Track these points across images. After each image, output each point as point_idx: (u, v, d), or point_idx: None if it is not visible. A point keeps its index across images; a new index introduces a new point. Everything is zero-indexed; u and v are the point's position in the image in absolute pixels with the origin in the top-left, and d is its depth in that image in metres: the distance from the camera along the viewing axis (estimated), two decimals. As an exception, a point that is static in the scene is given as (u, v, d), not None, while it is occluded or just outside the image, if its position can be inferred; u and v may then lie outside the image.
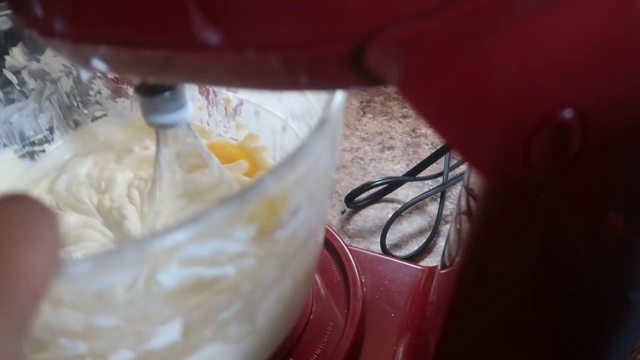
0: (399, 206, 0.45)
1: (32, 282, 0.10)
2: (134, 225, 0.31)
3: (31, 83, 0.34)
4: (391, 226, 0.43)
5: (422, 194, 0.45)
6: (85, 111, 0.37)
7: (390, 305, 0.33)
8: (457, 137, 0.14)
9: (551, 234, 0.17)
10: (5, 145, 0.34)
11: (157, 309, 0.17)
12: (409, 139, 0.55)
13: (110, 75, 0.36)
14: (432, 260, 0.42)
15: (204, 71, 0.13)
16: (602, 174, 0.15)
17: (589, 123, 0.13)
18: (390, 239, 0.43)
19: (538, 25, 0.12)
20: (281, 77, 0.13)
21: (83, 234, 0.30)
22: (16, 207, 0.11)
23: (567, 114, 0.13)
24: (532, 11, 0.12)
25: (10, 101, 0.33)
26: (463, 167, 0.47)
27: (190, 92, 0.34)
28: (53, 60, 0.34)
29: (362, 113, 0.59)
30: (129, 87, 0.37)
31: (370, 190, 0.46)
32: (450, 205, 0.46)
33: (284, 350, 0.28)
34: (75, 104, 0.36)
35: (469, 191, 0.20)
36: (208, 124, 0.37)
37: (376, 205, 0.47)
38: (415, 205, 0.46)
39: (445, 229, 0.44)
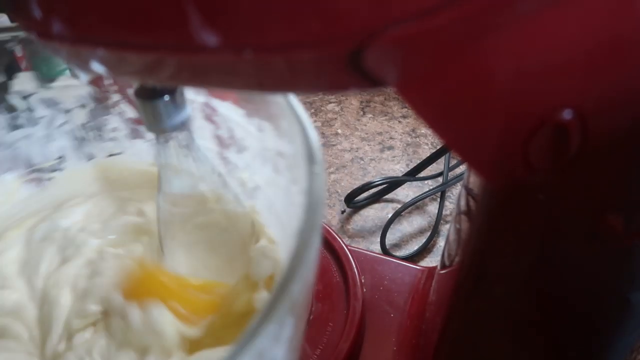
0: (399, 206, 0.45)
1: None
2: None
3: (41, 110, 0.33)
4: (391, 226, 0.43)
5: (422, 194, 0.45)
6: (100, 145, 0.35)
7: (390, 306, 0.33)
8: (456, 138, 0.14)
9: (551, 234, 0.17)
10: (9, 169, 0.33)
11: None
12: (409, 139, 0.55)
13: (130, 115, 0.35)
14: (432, 260, 0.42)
15: (202, 73, 0.13)
16: (602, 175, 0.15)
17: (588, 124, 0.13)
18: (390, 239, 0.43)
19: (538, 25, 0.12)
20: (280, 79, 0.13)
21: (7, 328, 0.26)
22: None
23: (567, 114, 0.13)
24: (532, 11, 0.12)
25: (16, 127, 0.32)
26: (463, 167, 0.47)
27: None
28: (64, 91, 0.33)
29: (362, 113, 0.59)
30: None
31: (370, 190, 0.46)
32: (450, 205, 0.46)
33: (283, 351, 0.28)
34: (89, 136, 0.35)
35: (468, 191, 0.20)
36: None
37: (376, 205, 0.47)
38: (415, 205, 0.46)
39: (445, 229, 0.44)
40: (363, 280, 0.33)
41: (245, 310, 0.25)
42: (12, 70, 0.31)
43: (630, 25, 0.12)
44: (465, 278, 0.21)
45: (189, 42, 0.11)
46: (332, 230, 0.35)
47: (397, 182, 0.47)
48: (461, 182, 0.28)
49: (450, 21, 0.11)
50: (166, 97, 0.21)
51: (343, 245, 0.35)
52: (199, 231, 0.28)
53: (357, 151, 0.54)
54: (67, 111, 0.34)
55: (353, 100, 0.61)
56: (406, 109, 0.58)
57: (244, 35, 0.11)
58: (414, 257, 0.42)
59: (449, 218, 0.45)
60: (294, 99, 0.19)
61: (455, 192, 0.47)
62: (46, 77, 0.32)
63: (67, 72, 0.32)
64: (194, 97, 0.29)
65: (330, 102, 0.61)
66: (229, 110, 0.29)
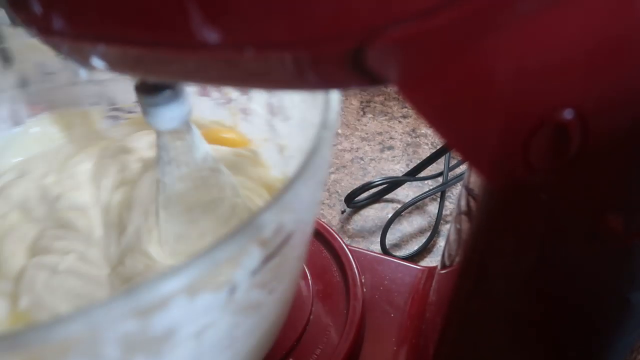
0: (399, 206, 0.45)
1: None
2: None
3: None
4: (391, 226, 0.43)
5: (422, 194, 0.45)
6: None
7: (390, 306, 0.33)
8: (456, 138, 0.14)
9: (551, 234, 0.17)
10: (95, 103, 0.35)
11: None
12: (409, 139, 0.55)
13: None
14: (432, 260, 0.42)
15: (202, 70, 0.13)
16: (602, 175, 0.15)
17: (588, 123, 0.13)
18: (390, 239, 0.43)
19: (538, 25, 0.12)
20: (281, 77, 0.13)
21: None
22: None
23: (567, 114, 0.13)
24: (532, 11, 0.12)
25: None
26: (463, 167, 0.47)
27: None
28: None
29: (362, 113, 0.59)
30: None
31: (370, 190, 0.46)
32: (450, 205, 0.46)
33: (283, 351, 0.28)
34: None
35: (469, 191, 0.20)
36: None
37: (376, 205, 0.47)
38: (415, 205, 0.46)
39: (445, 229, 0.44)
40: (363, 280, 0.33)
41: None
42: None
43: (630, 25, 0.12)
44: (465, 278, 0.21)
45: (189, 40, 0.11)
46: (333, 230, 0.35)
47: (397, 182, 0.47)
48: (461, 182, 0.28)
49: (450, 21, 0.11)
50: (167, 92, 0.21)
51: (343, 245, 0.35)
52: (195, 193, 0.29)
53: (357, 151, 0.54)
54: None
55: (353, 100, 0.61)
56: (406, 109, 0.58)
57: (245, 33, 0.11)
58: (414, 257, 0.42)
59: (449, 218, 0.45)
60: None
61: (456, 192, 0.47)
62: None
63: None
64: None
65: (331, 102, 0.61)
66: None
